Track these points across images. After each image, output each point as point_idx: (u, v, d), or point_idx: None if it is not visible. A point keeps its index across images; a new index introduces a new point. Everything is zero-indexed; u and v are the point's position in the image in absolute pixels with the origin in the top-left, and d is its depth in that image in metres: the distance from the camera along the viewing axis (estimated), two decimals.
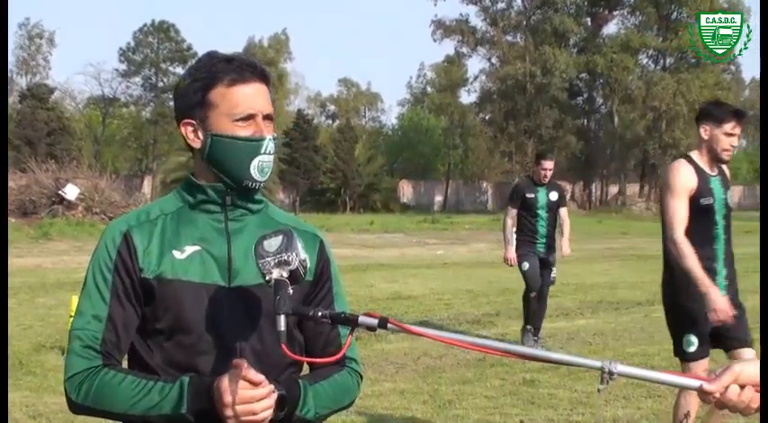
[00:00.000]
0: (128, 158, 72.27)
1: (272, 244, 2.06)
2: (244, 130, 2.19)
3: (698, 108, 5.91)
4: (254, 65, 2.24)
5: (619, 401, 7.49)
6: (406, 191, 71.93)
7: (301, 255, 2.07)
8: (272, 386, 2.03)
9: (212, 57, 2.27)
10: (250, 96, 2.20)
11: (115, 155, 71.23)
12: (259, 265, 2.05)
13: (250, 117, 2.20)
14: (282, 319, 2.02)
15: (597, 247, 28.47)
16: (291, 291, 2.05)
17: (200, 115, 2.23)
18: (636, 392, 7.69)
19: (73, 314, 8.80)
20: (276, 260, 2.04)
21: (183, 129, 2.27)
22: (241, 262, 2.22)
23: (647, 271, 19.82)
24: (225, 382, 1.98)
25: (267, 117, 2.23)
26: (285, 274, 2.04)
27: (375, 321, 1.99)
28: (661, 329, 11.35)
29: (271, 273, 2.04)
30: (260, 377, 1.97)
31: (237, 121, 2.19)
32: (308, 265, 2.13)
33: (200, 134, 2.24)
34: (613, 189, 67.81)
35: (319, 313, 2.06)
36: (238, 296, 2.21)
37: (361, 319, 2.01)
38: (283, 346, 2.01)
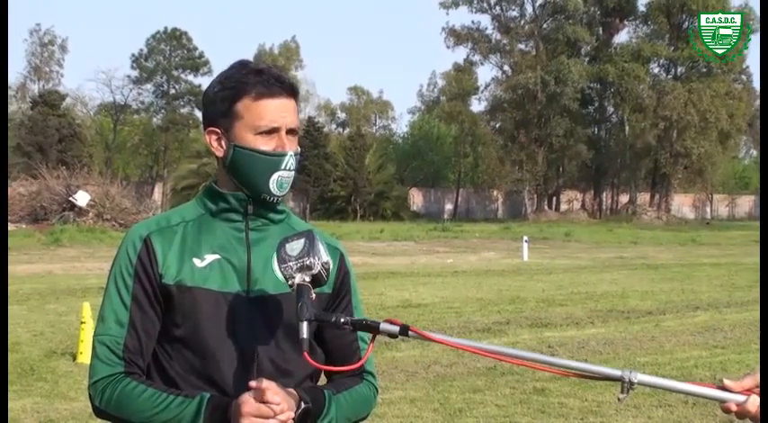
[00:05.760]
0: (138, 165, 72.51)
1: (294, 247, 2.04)
2: (266, 144, 2.19)
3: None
4: (282, 79, 2.23)
5: (629, 411, 7.46)
6: (417, 199, 71.99)
7: (323, 258, 2.05)
8: (292, 406, 2.04)
9: (243, 66, 2.26)
10: (275, 110, 2.20)
11: (126, 161, 71.54)
12: (281, 269, 2.04)
13: (273, 131, 2.20)
14: (305, 325, 1.99)
15: (607, 256, 28.42)
16: (314, 296, 2.04)
17: (225, 125, 2.22)
18: (647, 402, 7.66)
19: (84, 320, 8.79)
20: (299, 264, 2.02)
21: (207, 136, 2.27)
22: (260, 271, 2.21)
23: (657, 280, 19.80)
24: (242, 404, 2.00)
25: (291, 131, 2.23)
26: (307, 279, 2.03)
27: (396, 328, 1.97)
28: (671, 339, 11.41)
29: (293, 277, 2.03)
30: (276, 400, 1.98)
31: (260, 134, 2.19)
32: (331, 267, 2.11)
33: (223, 143, 2.24)
34: (624, 198, 67.69)
35: (341, 319, 2.03)
36: (257, 305, 2.21)
37: (383, 325, 1.98)
38: (306, 355, 1.98)
